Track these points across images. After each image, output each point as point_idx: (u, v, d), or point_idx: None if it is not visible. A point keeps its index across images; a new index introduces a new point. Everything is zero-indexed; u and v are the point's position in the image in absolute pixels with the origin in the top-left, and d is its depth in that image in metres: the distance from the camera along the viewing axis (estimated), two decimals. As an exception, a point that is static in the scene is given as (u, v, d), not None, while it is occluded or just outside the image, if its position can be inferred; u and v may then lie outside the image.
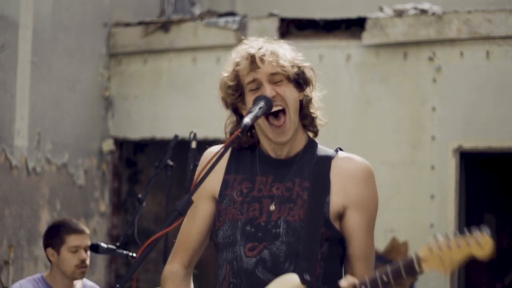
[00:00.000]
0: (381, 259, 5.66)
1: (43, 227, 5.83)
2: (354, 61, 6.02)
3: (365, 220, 2.45)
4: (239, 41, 6.73)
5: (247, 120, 2.37)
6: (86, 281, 4.21)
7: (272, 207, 2.43)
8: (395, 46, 5.91)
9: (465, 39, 5.71)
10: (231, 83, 2.50)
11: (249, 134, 2.55)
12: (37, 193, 5.83)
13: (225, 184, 2.51)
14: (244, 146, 2.56)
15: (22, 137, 5.68)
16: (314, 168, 2.47)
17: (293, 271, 2.37)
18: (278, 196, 2.44)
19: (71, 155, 6.21)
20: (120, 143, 6.79)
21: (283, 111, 2.45)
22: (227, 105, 2.55)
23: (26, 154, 5.71)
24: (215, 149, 2.58)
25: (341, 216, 2.44)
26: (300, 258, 2.38)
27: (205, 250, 2.62)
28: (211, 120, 6.35)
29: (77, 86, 6.32)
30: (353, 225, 2.44)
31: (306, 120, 2.52)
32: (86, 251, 4.04)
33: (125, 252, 4.04)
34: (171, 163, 4.24)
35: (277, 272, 2.38)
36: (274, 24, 6.22)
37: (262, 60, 2.45)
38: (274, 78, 2.45)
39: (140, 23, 6.71)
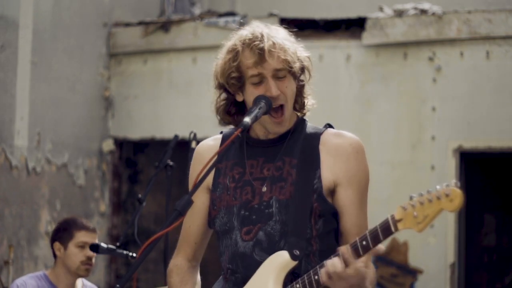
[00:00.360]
0: (382, 259, 5.66)
1: (43, 227, 5.83)
2: (354, 61, 6.02)
3: (357, 195, 2.44)
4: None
5: (247, 120, 2.37)
6: (86, 281, 4.21)
7: (264, 189, 2.43)
8: (395, 46, 5.91)
9: (465, 39, 5.72)
10: (234, 75, 2.48)
11: (239, 117, 2.55)
12: (37, 193, 5.83)
13: (217, 172, 2.52)
14: (232, 132, 2.53)
15: (22, 137, 5.68)
16: (302, 144, 2.47)
17: (283, 248, 2.37)
18: (269, 177, 2.44)
19: (71, 155, 6.21)
20: (120, 143, 6.79)
21: (282, 105, 2.45)
22: (219, 86, 2.56)
23: (26, 154, 5.71)
24: (207, 143, 2.62)
25: (332, 192, 2.43)
26: (289, 234, 2.37)
27: (205, 251, 2.63)
28: (211, 120, 6.36)
29: (77, 86, 6.32)
30: (345, 201, 2.43)
31: (297, 104, 2.52)
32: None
33: (125, 252, 4.04)
34: (171, 163, 4.24)
35: (273, 251, 2.38)
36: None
37: (271, 54, 2.43)
38: (279, 74, 2.44)
39: (140, 23, 6.71)
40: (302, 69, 2.49)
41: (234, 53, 2.47)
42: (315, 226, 2.41)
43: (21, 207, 5.66)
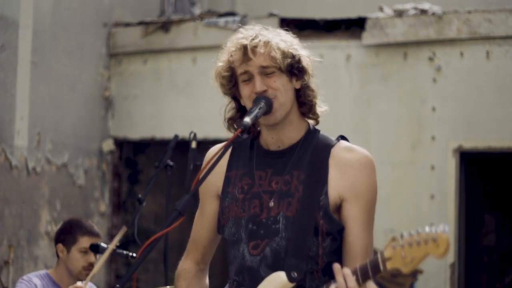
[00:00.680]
0: (381, 259, 5.65)
1: (43, 227, 5.83)
2: (354, 61, 6.02)
3: (363, 211, 2.40)
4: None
5: (247, 120, 2.37)
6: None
7: (271, 204, 2.42)
8: (395, 46, 5.91)
9: (465, 39, 5.71)
10: (225, 74, 2.51)
11: (251, 126, 2.52)
12: (37, 193, 5.83)
13: (227, 181, 2.52)
14: (244, 141, 2.55)
15: (22, 137, 5.67)
16: (312, 157, 2.44)
17: (283, 268, 2.36)
18: (277, 191, 2.43)
19: (71, 155, 6.21)
20: (120, 143, 6.79)
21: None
22: (225, 93, 2.56)
23: (26, 154, 5.71)
24: (217, 148, 2.59)
25: (339, 208, 2.41)
26: (290, 254, 2.36)
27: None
28: (211, 120, 6.39)
29: (77, 86, 6.32)
30: (350, 217, 2.40)
31: (304, 107, 2.49)
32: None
33: (125, 252, 4.03)
34: (171, 163, 4.24)
35: (278, 268, 2.37)
36: (274, 24, 6.22)
37: (253, 51, 2.44)
38: (266, 70, 2.44)
39: (140, 23, 6.71)
40: (300, 69, 2.47)
41: (225, 53, 2.51)
42: (323, 244, 2.39)
43: (21, 207, 5.66)
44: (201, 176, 2.29)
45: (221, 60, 2.52)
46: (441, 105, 5.77)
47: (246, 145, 2.55)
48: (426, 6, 5.86)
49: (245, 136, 2.55)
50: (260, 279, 2.38)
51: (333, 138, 2.51)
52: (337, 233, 2.41)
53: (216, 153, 2.39)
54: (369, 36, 5.95)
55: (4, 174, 5.51)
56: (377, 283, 2.24)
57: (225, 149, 2.37)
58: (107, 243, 4.13)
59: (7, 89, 5.55)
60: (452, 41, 5.76)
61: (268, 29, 2.52)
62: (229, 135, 2.47)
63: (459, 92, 5.73)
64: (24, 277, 4.09)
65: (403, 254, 2.13)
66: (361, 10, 6.21)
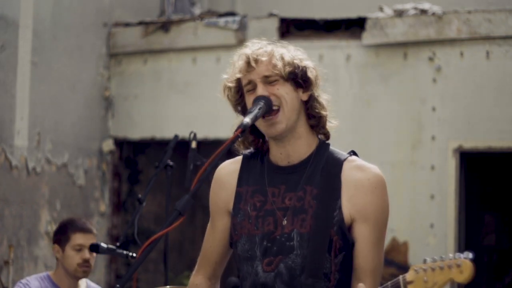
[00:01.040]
0: (381, 259, 5.65)
1: (43, 227, 5.83)
2: (354, 61, 6.02)
3: (373, 232, 2.39)
4: (239, 41, 6.80)
5: (247, 120, 2.36)
6: (89, 282, 4.22)
7: (285, 222, 2.40)
8: (395, 46, 5.91)
9: (465, 39, 5.71)
10: (231, 85, 2.51)
11: (259, 141, 2.54)
12: (37, 193, 5.83)
13: (238, 197, 2.50)
14: (253, 156, 2.54)
15: (22, 137, 5.67)
16: (323, 172, 2.42)
17: (304, 283, 2.35)
18: (290, 207, 2.41)
19: (71, 155, 6.21)
20: (120, 143, 6.79)
21: (278, 109, 2.43)
22: (235, 108, 2.55)
23: (26, 154, 5.71)
24: (227, 167, 2.58)
25: (349, 227, 2.39)
26: (307, 273, 2.35)
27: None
28: (211, 120, 6.39)
29: (77, 86, 6.32)
30: (360, 237, 2.38)
31: (313, 120, 2.48)
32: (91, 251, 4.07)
33: (125, 252, 4.03)
34: (171, 163, 4.23)
35: (293, 286, 2.37)
36: (274, 24, 6.23)
37: (256, 60, 2.45)
38: (268, 79, 2.44)
39: (140, 23, 6.71)
40: (305, 79, 2.46)
41: (232, 66, 2.51)
42: (334, 260, 2.38)
43: (21, 207, 5.66)
44: (200, 176, 2.29)
45: (227, 73, 2.53)
46: (441, 105, 5.77)
47: (256, 161, 2.54)
48: (426, 6, 5.86)
49: (252, 149, 2.55)
50: None
51: (344, 152, 2.49)
52: (350, 249, 2.40)
53: (216, 153, 2.37)
54: (369, 36, 5.95)
55: (4, 174, 5.51)
56: None
57: (225, 149, 2.36)
58: (107, 243, 4.13)
59: (7, 89, 5.55)
60: (452, 41, 5.76)
61: (275, 43, 2.52)
62: (229, 135, 2.46)
63: (459, 92, 5.73)
64: (23, 280, 4.10)
65: (425, 278, 2.14)
66: (361, 10, 6.20)
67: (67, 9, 6.19)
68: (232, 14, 6.65)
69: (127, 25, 6.73)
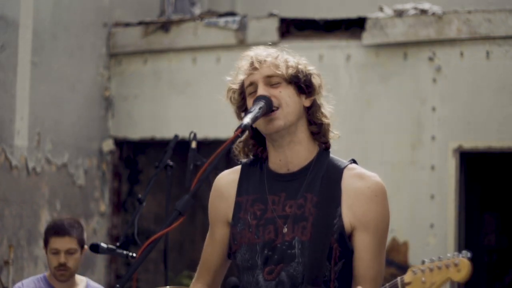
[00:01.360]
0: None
1: (43, 227, 5.82)
2: (354, 61, 6.02)
3: (373, 240, 2.37)
4: (239, 41, 6.79)
5: (247, 120, 2.35)
6: (90, 281, 4.21)
7: (285, 229, 2.39)
8: (395, 46, 5.91)
9: (465, 39, 5.71)
10: (234, 87, 2.50)
11: (259, 148, 2.53)
12: (37, 193, 5.83)
13: (238, 206, 2.49)
14: (253, 164, 2.53)
15: (22, 137, 5.67)
16: (323, 179, 2.41)
17: None
18: (291, 215, 2.40)
19: (71, 155, 6.21)
20: (120, 143, 6.79)
21: (278, 109, 2.42)
22: (237, 113, 2.54)
23: (26, 154, 5.71)
24: (226, 177, 2.58)
25: (350, 236, 2.38)
26: (305, 282, 2.34)
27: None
28: (211, 120, 6.39)
29: (77, 86, 6.32)
30: (360, 246, 2.37)
31: (314, 127, 2.47)
32: (69, 254, 4.03)
33: (125, 252, 4.03)
34: (171, 163, 4.23)
35: None
36: (274, 24, 6.23)
37: (259, 61, 2.44)
38: (271, 81, 2.43)
39: (140, 23, 6.71)
40: (308, 85, 2.46)
41: (236, 69, 2.51)
42: (334, 268, 2.37)
43: (21, 207, 5.66)
44: (200, 176, 2.28)
45: (231, 76, 2.52)
46: (441, 105, 5.77)
47: (255, 169, 2.52)
48: (426, 6, 5.86)
49: (251, 158, 2.54)
50: None
51: (344, 160, 2.48)
52: (350, 257, 2.39)
53: (216, 154, 2.37)
54: (369, 36, 5.95)
55: (4, 174, 5.51)
56: None
57: (225, 149, 2.35)
58: (107, 243, 4.13)
59: (7, 89, 5.55)
60: (452, 41, 5.76)
61: (281, 50, 2.52)
62: (229, 135, 2.45)
63: (459, 92, 5.73)
64: (19, 283, 4.09)
65: (423, 279, 2.14)
66: (361, 10, 6.20)
67: (67, 9, 6.19)
68: (232, 14, 6.66)
69: (127, 25, 6.73)
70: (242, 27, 6.30)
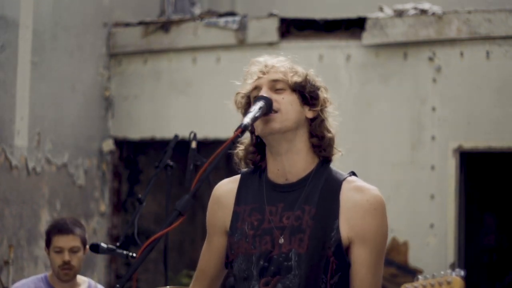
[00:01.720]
0: (381, 259, 5.65)
1: (43, 227, 5.83)
2: (354, 61, 6.02)
3: (371, 254, 2.35)
4: (239, 41, 6.79)
5: (247, 120, 2.34)
6: (91, 282, 4.21)
7: (281, 240, 2.38)
8: (395, 46, 5.91)
9: (465, 39, 5.71)
10: (241, 92, 2.50)
11: (259, 156, 2.52)
12: (37, 193, 5.83)
13: (236, 216, 2.48)
14: (252, 173, 2.52)
15: (22, 137, 5.68)
16: (322, 191, 2.39)
17: None
18: (288, 226, 2.38)
19: (71, 155, 6.21)
20: (120, 143, 6.79)
21: (277, 112, 2.41)
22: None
23: (26, 154, 5.71)
24: (225, 186, 2.57)
25: (347, 249, 2.36)
26: None
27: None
28: (211, 120, 6.39)
29: (77, 86, 6.32)
30: (358, 259, 2.35)
31: (315, 139, 2.45)
32: (73, 252, 4.03)
33: (125, 252, 4.03)
34: (171, 163, 4.23)
35: None
36: (274, 24, 6.23)
37: (266, 65, 2.45)
38: (276, 85, 2.43)
39: (140, 23, 6.71)
40: (313, 96, 2.45)
41: (244, 74, 2.51)
42: (330, 281, 2.35)
43: (21, 207, 5.66)
44: (201, 176, 2.28)
45: (240, 81, 2.52)
46: (441, 105, 5.77)
47: (254, 178, 2.51)
48: (426, 6, 5.86)
49: (251, 167, 2.53)
50: None
51: (344, 172, 2.46)
52: (347, 270, 2.37)
53: (215, 154, 2.36)
54: (369, 36, 5.95)
55: (4, 174, 5.51)
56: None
57: (225, 148, 2.35)
58: (107, 243, 4.12)
59: (7, 89, 5.55)
60: (452, 41, 5.76)
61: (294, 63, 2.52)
62: (230, 135, 2.45)
63: (459, 92, 5.73)
64: (18, 283, 4.09)
65: None
66: (361, 10, 6.20)
67: (67, 9, 6.19)
68: (232, 14, 6.66)
69: (127, 25, 6.73)
70: (242, 27, 6.30)
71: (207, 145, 5.94)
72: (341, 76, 6.01)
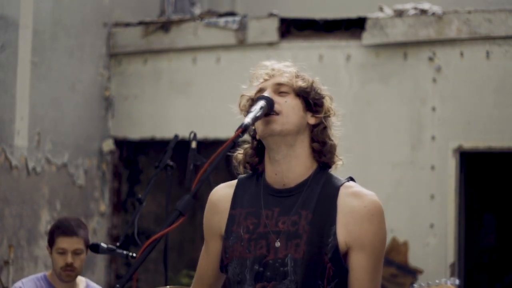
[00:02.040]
0: (381, 259, 5.65)
1: (43, 227, 5.83)
2: (354, 61, 6.02)
3: (369, 260, 2.33)
4: (239, 41, 6.79)
5: (247, 120, 2.34)
6: (89, 282, 4.21)
7: (278, 244, 2.36)
8: (395, 46, 5.91)
9: (465, 39, 5.71)
10: (246, 95, 2.50)
11: (257, 159, 2.51)
12: (37, 193, 5.83)
13: (231, 219, 2.46)
14: (249, 178, 2.51)
15: (22, 137, 5.67)
16: (320, 196, 2.37)
17: None
18: (284, 231, 2.37)
19: (71, 155, 6.21)
20: (120, 143, 6.79)
21: (278, 114, 2.41)
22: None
23: (26, 154, 5.71)
24: (221, 191, 2.55)
25: (345, 255, 2.34)
26: None
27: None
28: (211, 120, 6.40)
29: (77, 86, 6.32)
30: (356, 266, 2.33)
31: (316, 144, 2.44)
32: (76, 254, 4.01)
33: (125, 252, 4.03)
34: (171, 163, 4.23)
35: None
36: (274, 24, 6.23)
37: (273, 70, 2.46)
38: (280, 88, 2.43)
39: (140, 23, 6.71)
40: (317, 103, 2.45)
41: (250, 78, 2.50)
42: (327, 287, 2.33)
43: (21, 207, 5.66)
44: (201, 176, 2.28)
45: (246, 84, 2.52)
46: (441, 105, 5.77)
47: (251, 182, 2.50)
48: (426, 6, 5.86)
49: (249, 172, 2.52)
50: None
51: (341, 178, 2.45)
52: (344, 276, 2.35)
53: (216, 154, 2.36)
54: (369, 36, 5.95)
55: (4, 174, 5.51)
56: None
57: (226, 148, 2.34)
58: (107, 243, 4.12)
59: (7, 89, 5.55)
60: (452, 41, 5.76)
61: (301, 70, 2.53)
62: (230, 136, 2.45)
63: (459, 92, 5.73)
64: (18, 283, 4.08)
65: None
66: (361, 10, 6.21)
67: (67, 9, 6.19)
68: (232, 14, 6.66)
69: (127, 25, 6.73)
70: (242, 27, 6.30)
71: (207, 145, 5.94)
72: (341, 76, 6.01)
